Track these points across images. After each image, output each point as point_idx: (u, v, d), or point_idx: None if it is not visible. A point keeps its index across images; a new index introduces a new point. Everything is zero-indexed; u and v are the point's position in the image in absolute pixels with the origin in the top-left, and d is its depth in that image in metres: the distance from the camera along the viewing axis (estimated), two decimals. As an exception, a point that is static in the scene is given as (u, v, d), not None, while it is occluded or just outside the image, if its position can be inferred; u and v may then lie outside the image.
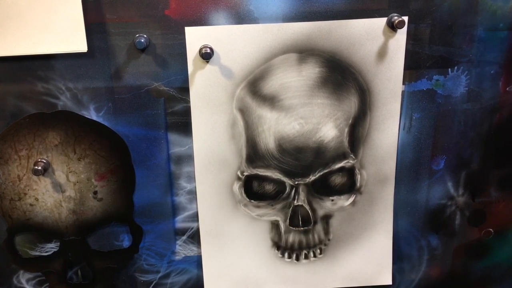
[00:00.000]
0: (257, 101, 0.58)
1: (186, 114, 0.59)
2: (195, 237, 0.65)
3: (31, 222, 0.61)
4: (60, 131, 0.58)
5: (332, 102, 0.59)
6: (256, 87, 0.58)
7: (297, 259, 0.65)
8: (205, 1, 0.55)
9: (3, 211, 0.60)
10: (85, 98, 0.57)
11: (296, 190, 0.62)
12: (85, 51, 0.55)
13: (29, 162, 0.58)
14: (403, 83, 0.60)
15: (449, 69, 0.60)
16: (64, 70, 0.56)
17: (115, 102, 0.58)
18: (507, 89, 0.62)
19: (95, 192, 0.60)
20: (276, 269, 0.66)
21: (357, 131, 0.60)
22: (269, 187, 0.62)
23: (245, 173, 0.61)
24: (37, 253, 0.63)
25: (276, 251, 0.65)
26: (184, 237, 0.65)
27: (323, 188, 0.62)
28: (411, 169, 0.65)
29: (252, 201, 0.62)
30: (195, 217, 0.64)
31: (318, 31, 0.56)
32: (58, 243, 0.63)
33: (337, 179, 0.62)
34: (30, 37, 0.54)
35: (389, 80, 0.59)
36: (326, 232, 0.65)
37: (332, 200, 0.63)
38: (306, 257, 0.65)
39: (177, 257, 0.66)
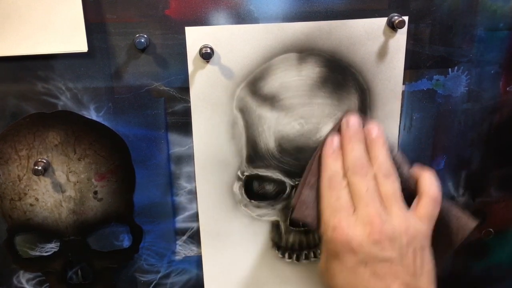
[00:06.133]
0: (257, 101, 0.58)
1: (186, 114, 0.59)
2: (195, 237, 0.65)
3: (31, 222, 0.61)
4: (60, 131, 0.58)
5: (332, 102, 0.59)
6: (256, 87, 0.58)
7: (298, 259, 0.65)
8: (205, 1, 0.55)
9: (3, 211, 0.60)
10: (85, 98, 0.57)
11: (296, 190, 0.62)
12: (85, 51, 0.55)
13: (29, 162, 0.58)
14: (403, 83, 0.60)
15: (449, 69, 0.60)
16: (64, 70, 0.56)
17: (115, 102, 0.58)
18: (507, 89, 0.62)
19: (95, 192, 0.60)
20: (276, 269, 0.66)
21: (357, 131, 0.60)
22: (269, 187, 0.62)
23: (246, 173, 0.61)
24: (37, 253, 0.63)
25: (277, 251, 0.65)
26: (184, 237, 0.65)
27: (323, 188, 0.62)
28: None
29: (253, 201, 0.62)
30: (195, 217, 0.63)
31: (318, 31, 0.56)
32: (58, 243, 0.63)
33: (337, 179, 0.62)
34: (30, 37, 0.53)
35: (389, 80, 0.59)
36: (326, 232, 0.65)
37: (332, 200, 0.63)
38: (307, 257, 0.65)
39: (177, 257, 0.66)
